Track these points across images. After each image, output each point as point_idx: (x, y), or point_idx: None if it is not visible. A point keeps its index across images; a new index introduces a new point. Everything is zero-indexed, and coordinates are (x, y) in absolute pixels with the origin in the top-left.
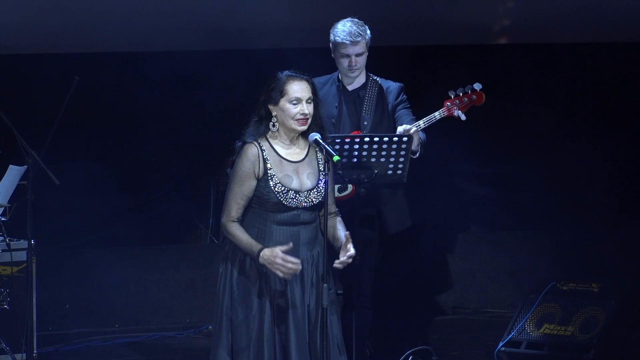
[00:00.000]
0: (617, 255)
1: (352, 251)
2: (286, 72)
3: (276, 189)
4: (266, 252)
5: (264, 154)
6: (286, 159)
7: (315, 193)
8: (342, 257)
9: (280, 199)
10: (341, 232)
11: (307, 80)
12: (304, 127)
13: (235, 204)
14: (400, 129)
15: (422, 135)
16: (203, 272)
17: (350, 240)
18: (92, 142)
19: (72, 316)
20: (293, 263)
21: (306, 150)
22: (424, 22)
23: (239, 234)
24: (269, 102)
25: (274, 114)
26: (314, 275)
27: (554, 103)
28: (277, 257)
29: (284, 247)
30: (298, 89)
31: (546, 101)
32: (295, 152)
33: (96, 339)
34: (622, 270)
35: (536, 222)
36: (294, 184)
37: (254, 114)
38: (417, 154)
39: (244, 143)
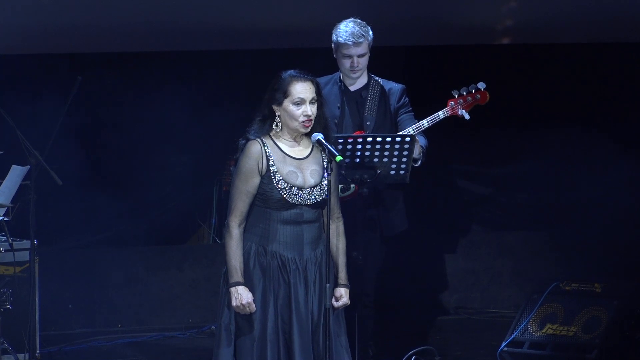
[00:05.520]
0: (620, 255)
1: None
2: (290, 72)
3: (279, 186)
4: (242, 291)
5: (267, 150)
6: (290, 156)
7: (319, 190)
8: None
9: (283, 196)
10: (341, 262)
11: (311, 81)
12: (308, 129)
13: (241, 201)
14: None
15: (423, 141)
16: (206, 272)
17: (346, 295)
18: (94, 142)
19: (74, 316)
20: (249, 309)
21: (310, 147)
22: (426, 22)
23: (233, 249)
24: (273, 103)
25: (277, 114)
26: (317, 275)
27: (556, 103)
28: (249, 304)
29: (253, 306)
30: (302, 89)
31: (548, 101)
32: (299, 149)
33: (99, 339)
34: (625, 270)
35: (539, 222)
36: (298, 181)
37: (258, 113)
38: (419, 162)
39: (247, 140)
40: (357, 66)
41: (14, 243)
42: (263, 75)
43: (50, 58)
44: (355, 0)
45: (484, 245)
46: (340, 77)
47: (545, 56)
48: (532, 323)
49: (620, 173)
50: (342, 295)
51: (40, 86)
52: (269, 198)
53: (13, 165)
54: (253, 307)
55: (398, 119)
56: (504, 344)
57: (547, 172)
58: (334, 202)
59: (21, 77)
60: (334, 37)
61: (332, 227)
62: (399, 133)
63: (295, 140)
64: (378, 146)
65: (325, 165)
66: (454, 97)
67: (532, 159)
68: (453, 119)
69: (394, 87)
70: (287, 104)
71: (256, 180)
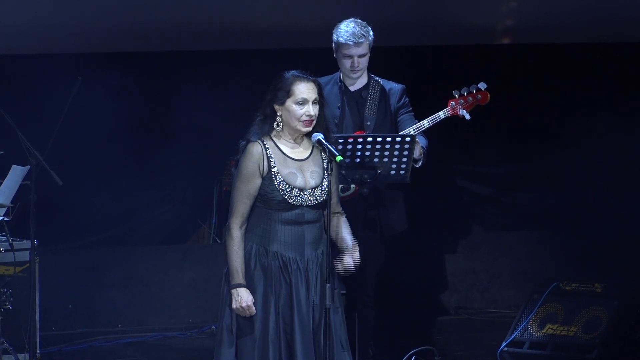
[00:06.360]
0: (620, 256)
1: (356, 259)
2: (293, 72)
3: (280, 187)
4: (243, 294)
5: (268, 152)
6: (290, 157)
7: (319, 191)
8: (348, 262)
9: (284, 197)
10: (347, 235)
11: (314, 82)
12: (309, 129)
13: (242, 203)
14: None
15: (423, 141)
16: (206, 272)
17: (357, 248)
18: (94, 142)
19: (74, 316)
20: (249, 311)
21: (310, 148)
22: (426, 22)
23: (234, 251)
24: (275, 102)
25: (279, 113)
26: (318, 275)
27: (557, 103)
28: (249, 307)
29: (253, 309)
30: (304, 90)
31: (548, 101)
32: (299, 151)
33: (99, 339)
34: (625, 270)
35: (539, 222)
36: (298, 182)
37: (259, 112)
38: (420, 163)
39: (248, 142)
40: (358, 66)
41: (14, 243)
42: (263, 76)
43: (50, 58)
44: (356, 0)
45: (484, 245)
46: (340, 77)
47: (545, 56)
48: (533, 323)
49: (620, 173)
50: (355, 251)
51: (40, 86)
52: (270, 199)
53: (13, 165)
54: (253, 310)
55: (398, 119)
56: (504, 344)
57: (547, 172)
58: (334, 202)
59: (21, 77)
60: (334, 37)
61: (335, 222)
62: (399, 133)
63: (295, 141)
64: (378, 146)
65: (325, 166)
66: (455, 97)
67: (532, 159)
68: (454, 119)
69: (394, 87)
70: (290, 103)
71: (257, 181)
